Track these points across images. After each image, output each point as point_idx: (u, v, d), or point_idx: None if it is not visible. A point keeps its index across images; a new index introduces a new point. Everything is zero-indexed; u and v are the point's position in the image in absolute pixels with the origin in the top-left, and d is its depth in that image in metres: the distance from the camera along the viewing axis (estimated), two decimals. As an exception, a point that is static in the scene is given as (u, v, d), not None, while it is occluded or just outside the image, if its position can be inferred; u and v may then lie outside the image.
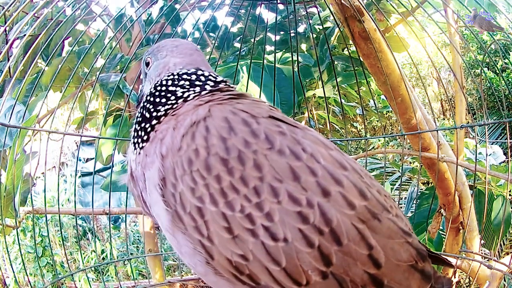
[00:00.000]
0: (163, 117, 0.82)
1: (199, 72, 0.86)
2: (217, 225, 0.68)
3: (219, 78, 0.87)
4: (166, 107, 0.82)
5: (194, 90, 0.83)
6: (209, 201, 0.69)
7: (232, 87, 0.87)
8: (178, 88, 0.84)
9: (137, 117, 0.86)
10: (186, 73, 0.86)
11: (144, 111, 0.84)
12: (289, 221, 0.66)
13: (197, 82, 0.84)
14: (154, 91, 0.86)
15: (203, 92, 0.83)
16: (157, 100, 0.84)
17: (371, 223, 0.69)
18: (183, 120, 0.77)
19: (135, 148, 0.84)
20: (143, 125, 0.83)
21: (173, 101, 0.82)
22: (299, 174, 0.68)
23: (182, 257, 0.78)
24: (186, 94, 0.83)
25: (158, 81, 0.87)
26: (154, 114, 0.82)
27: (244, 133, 0.71)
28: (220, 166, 0.69)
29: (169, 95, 0.83)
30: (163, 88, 0.85)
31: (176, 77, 0.85)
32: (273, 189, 0.67)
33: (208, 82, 0.85)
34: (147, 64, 0.94)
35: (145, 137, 0.81)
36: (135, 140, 0.84)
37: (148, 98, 0.86)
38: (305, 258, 0.66)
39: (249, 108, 0.77)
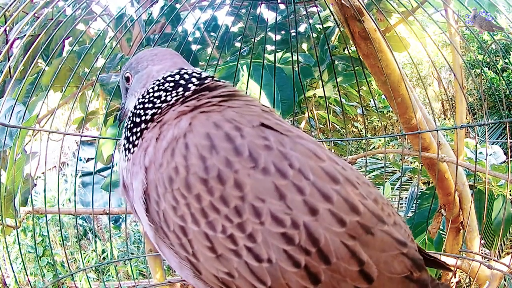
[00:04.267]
0: (150, 123, 0.80)
1: (182, 71, 0.84)
2: (201, 244, 0.67)
3: (204, 74, 0.85)
4: (154, 110, 0.81)
5: (177, 92, 0.81)
6: (191, 220, 0.67)
7: (220, 83, 0.84)
8: (162, 93, 0.82)
9: (127, 123, 0.85)
10: (170, 75, 0.84)
11: (135, 117, 0.83)
12: (273, 242, 0.64)
13: (181, 81, 0.82)
14: (143, 99, 0.84)
15: (187, 93, 0.80)
16: (146, 105, 0.82)
17: (363, 238, 0.66)
18: (166, 131, 0.75)
19: (125, 155, 0.82)
20: (134, 130, 0.82)
21: (159, 105, 0.81)
22: (285, 193, 0.65)
23: (173, 268, 0.78)
24: (169, 98, 0.81)
25: (145, 91, 0.85)
26: (143, 118, 0.81)
27: (226, 151, 0.68)
28: (199, 185, 0.67)
29: (155, 99, 0.82)
30: (151, 94, 0.83)
31: (162, 81, 0.84)
32: (255, 209, 0.65)
33: (192, 79, 0.83)
34: (127, 79, 0.92)
35: (136, 142, 0.80)
36: (126, 146, 0.82)
37: (138, 106, 0.84)
38: (292, 277, 0.64)
39: (238, 115, 0.74)
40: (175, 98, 0.80)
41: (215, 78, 0.85)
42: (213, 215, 0.66)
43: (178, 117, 0.76)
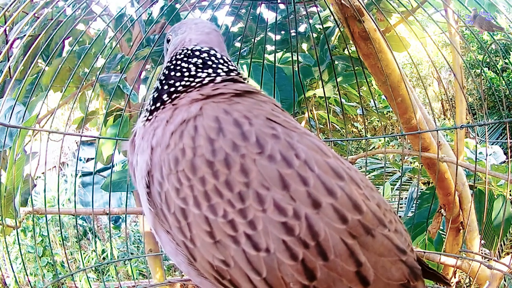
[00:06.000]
0: (173, 96, 0.80)
1: (212, 52, 0.85)
2: (200, 228, 0.66)
3: (231, 66, 0.85)
4: (183, 82, 0.81)
5: (208, 73, 0.81)
6: (193, 203, 0.67)
7: (244, 79, 0.84)
8: (191, 66, 0.82)
9: (159, 82, 0.85)
10: (199, 50, 0.85)
11: (158, 84, 0.84)
12: (273, 231, 0.63)
13: (209, 63, 0.83)
14: (170, 64, 0.85)
15: (218, 79, 0.80)
16: (172, 73, 0.83)
17: (363, 238, 0.65)
18: (176, 116, 0.75)
19: (144, 116, 0.83)
20: (155, 95, 0.82)
21: (186, 81, 0.81)
22: (289, 183, 0.65)
23: (167, 254, 0.77)
24: (200, 77, 0.81)
25: (173, 55, 0.87)
26: (166, 87, 0.81)
27: (233, 135, 0.68)
28: (205, 168, 0.67)
29: (184, 70, 0.82)
30: (178, 62, 0.84)
31: (190, 52, 0.84)
32: (258, 196, 0.64)
33: (220, 66, 0.83)
34: (168, 41, 0.95)
35: (153, 107, 0.81)
36: (148, 108, 0.83)
37: (164, 71, 0.85)
38: (287, 270, 0.63)
39: (247, 108, 0.74)
40: (207, 79, 0.80)
41: (240, 74, 0.85)
42: (216, 199, 0.66)
43: (190, 104, 0.77)
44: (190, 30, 0.91)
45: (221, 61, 0.84)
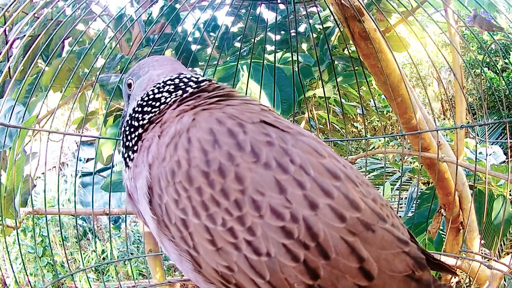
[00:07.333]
0: (148, 125, 0.81)
1: (181, 76, 0.86)
2: (201, 237, 0.68)
3: (201, 78, 0.86)
4: (151, 114, 0.82)
5: (176, 94, 0.82)
6: (192, 213, 0.68)
7: (217, 85, 0.85)
8: (162, 95, 0.83)
9: (125, 128, 0.86)
10: (169, 79, 0.86)
11: (133, 121, 0.84)
12: (272, 236, 0.65)
13: (180, 84, 0.84)
14: (141, 101, 0.85)
15: (185, 95, 0.82)
16: (145, 109, 0.84)
17: (363, 234, 0.66)
18: (168, 128, 0.76)
19: (126, 165, 0.83)
20: (132, 135, 0.83)
21: (157, 108, 0.82)
22: (285, 187, 0.66)
23: (174, 262, 0.78)
24: (168, 99, 0.82)
25: (145, 93, 0.87)
26: (141, 122, 0.82)
27: (228, 146, 0.69)
28: (201, 178, 0.68)
29: (154, 102, 0.83)
30: (150, 96, 0.85)
31: (162, 84, 0.85)
32: (255, 203, 0.66)
33: (190, 83, 0.84)
34: (129, 85, 0.93)
35: (135, 148, 0.81)
36: (126, 155, 0.83)
37: (136, 109, 0.85)
38: (290, 272, 0.65)
39: (239, 111, 0.75)
40: (173, 100, 0.82)
41: (212, 81, 0.86)
42: (213, 208, 0.67)
43: (179, 115, 0.78)
44: (153, 67, 0.91)
45: (192, 78, 0.86)
